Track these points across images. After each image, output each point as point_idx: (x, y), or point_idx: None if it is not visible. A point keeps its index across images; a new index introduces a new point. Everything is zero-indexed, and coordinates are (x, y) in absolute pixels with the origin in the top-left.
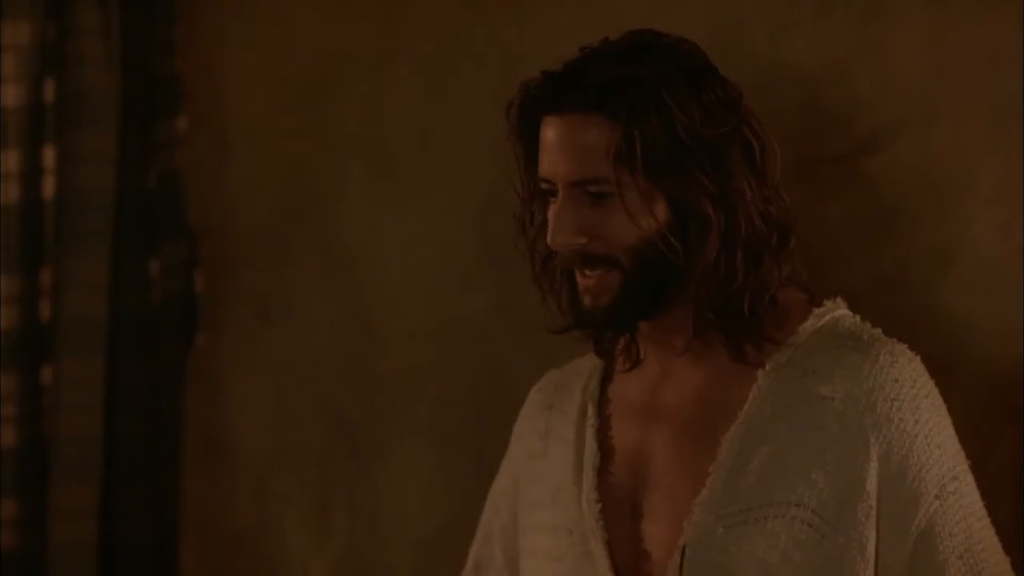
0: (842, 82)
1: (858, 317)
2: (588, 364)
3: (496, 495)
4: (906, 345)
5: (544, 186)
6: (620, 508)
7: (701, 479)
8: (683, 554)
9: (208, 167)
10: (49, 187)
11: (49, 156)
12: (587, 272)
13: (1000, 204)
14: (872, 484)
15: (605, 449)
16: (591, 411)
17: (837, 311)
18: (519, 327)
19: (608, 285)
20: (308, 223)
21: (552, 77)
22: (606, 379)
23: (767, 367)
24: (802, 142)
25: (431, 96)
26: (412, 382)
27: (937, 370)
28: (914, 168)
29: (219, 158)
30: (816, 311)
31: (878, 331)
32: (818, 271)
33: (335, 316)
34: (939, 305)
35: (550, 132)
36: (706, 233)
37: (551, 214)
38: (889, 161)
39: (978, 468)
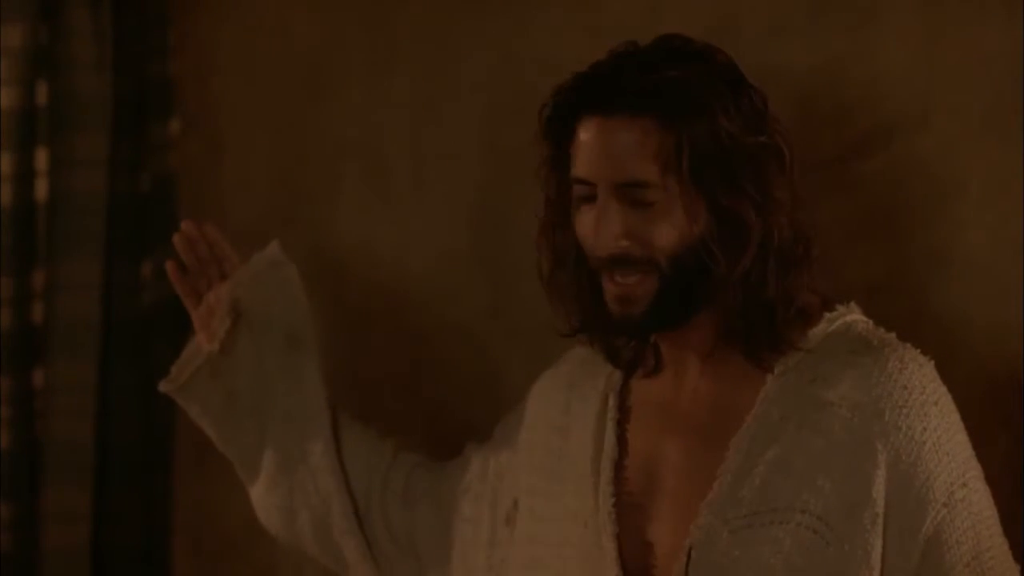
0: (835, 84)
1: (871, 322)
2: None
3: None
4: (919, 350)
5: (580, 189)
6: (631, 506)
7: (709, 482)
8: (688, 556)
9: (201, 170)
10: (42, 190)
11: (42, 159)
12: (619, 278)
13: (993, 206)
14: (879, 492)
15: (622, 444)
16: (612, 402)
17: (849, 315)
18: (511, 330)
19: (645, 291)
20: (300, 226)
21: (592, 78)
22: (628, 372)
23: (776, 371)
24: (794, 145)
25: (423, 99)
26: (404, 385)
27: None
28: (907, 171)
29: (211, 161)
30: (828, 315)
31: (891, 336)
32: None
33: (327, 319)
34: (932, 308)
35: (592, 134)
36: (746, 241)
37: (590, 217)
38: (882, 164)
39: None
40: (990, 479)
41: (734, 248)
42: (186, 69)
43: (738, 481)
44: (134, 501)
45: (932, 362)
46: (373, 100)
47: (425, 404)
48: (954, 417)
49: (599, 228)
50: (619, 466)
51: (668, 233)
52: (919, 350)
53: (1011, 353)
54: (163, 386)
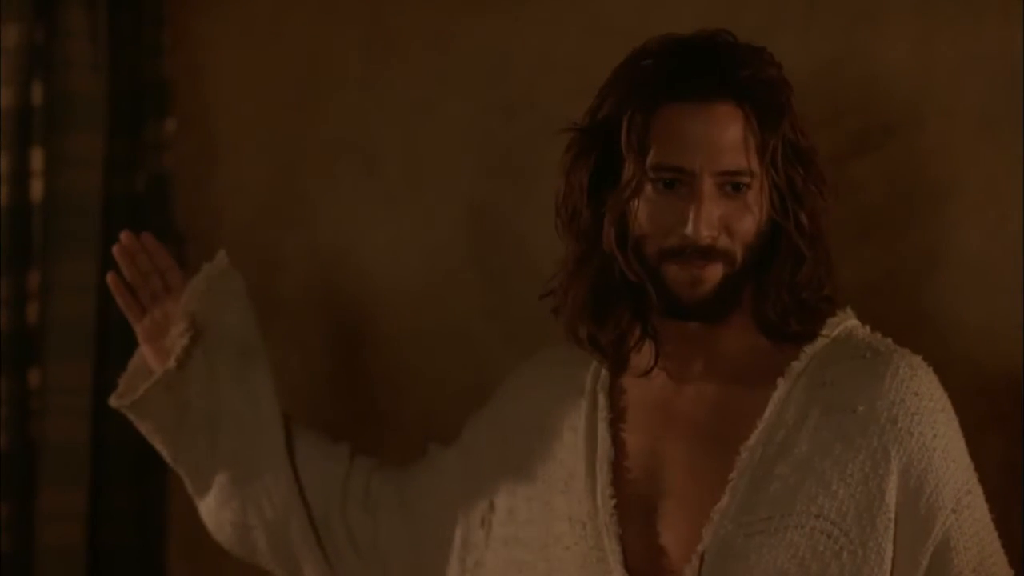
0: (830, 84)
1: (867, 327)
2: None
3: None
4: (910, 350)
5: (665, 174)
6: (633, 507)
7: (718, 487)
8: (701, 560)
9: (196, 170)
10: (37, 190)
11: (37, 159)
12: (690, 265)
13: (988, 207)
14: (891, 497)
15: (617, 444)
16: (602, 402)
17: (848, 321)
18: (506, 330)
19: (713, 274)
20: (295, 226)
21: (688, 67)
22: (616, 371)
23: (785, 376)
24: None
25: (418, 98)
26: (399, 386)
27: None
28: (902, 171)
29: (207, 161)
30: (830, 320)
31: (889, 341)
32: None
33: (322, 319)
34: (927, 308)
35: (694, 121)
36: (803, 236)
37: (674, 205)
38: (877, 164)
39: None
40: (985, 479)
41: (793, 244)
42: (181, 69)
43: (752, 485)
44: (130, 501)
45: (931, 368)
46: (368, 100)
47: (419, 405)
48: (956, 424)
49: (698, 217)
50: (616, 467)
51: (751, 224)
52: (913, 350)
53: (1006, 353)
54: (113, 402)
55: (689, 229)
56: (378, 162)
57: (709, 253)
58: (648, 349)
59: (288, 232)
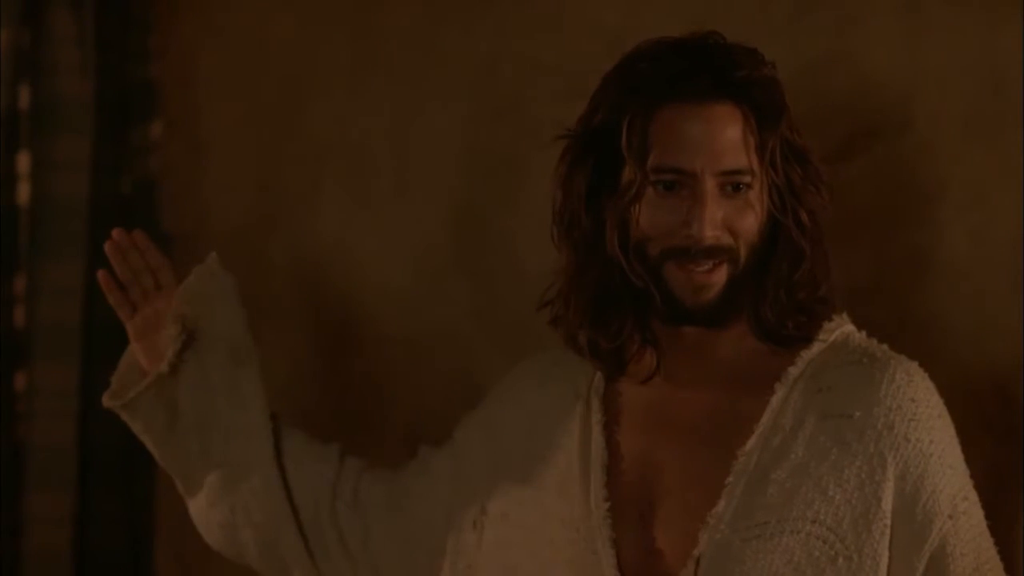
0: (817, 87)
1: (863, 333)
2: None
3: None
4: (916, 363)
5: (666, 176)
6: (628, 511)
7: (715, 491)
8: (697, 565)
9: (183, 173)
10: (24, 193)
11: (24, 162)
12: (695, 268)
13: (974, 210)
14: (888, 503)
15: (612, 448)
16: (596, 406)
17: (845, 326)
18: (492, 334)
19: (719, 278)
20: (282, 229)
21: (685, 68)
22: (612, 375)
23: (782, 381)
24: None
25: (405, 102)
26: (386, 389)
27: None
28: (888, 174)
29: (194, 164)
30: (827, 325)
31: (885, 347)
32: None
33: (309, 322)
34: (914, 310)
35: (691, 122)
36: (803, 234)
37: (676, 206)
38: (863, 167)
39: None
40: (973, 482)
41: (794, 242)
42: (168, 72)
43: (748, 490)
44: (117, 504)
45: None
46: (355, 103)
47: (406, 406)
48: (952, 430)
49: (701, 217)
50: (611, 470)
51: (753, 223)
52: (898, 352)
53: (993, 355)
54: (106, 401)
55: (694, 229)
56: (365, 165)
57: (713, 252)
58: (648, 355)
59: (275, 235)
